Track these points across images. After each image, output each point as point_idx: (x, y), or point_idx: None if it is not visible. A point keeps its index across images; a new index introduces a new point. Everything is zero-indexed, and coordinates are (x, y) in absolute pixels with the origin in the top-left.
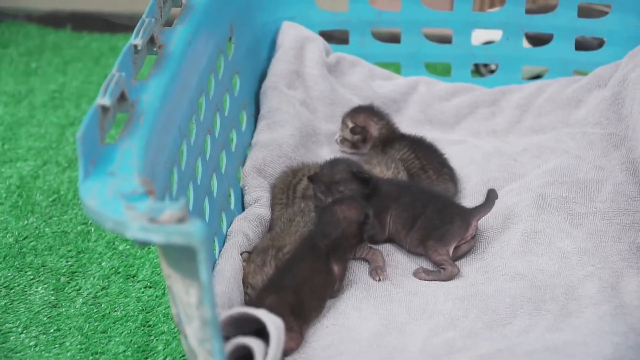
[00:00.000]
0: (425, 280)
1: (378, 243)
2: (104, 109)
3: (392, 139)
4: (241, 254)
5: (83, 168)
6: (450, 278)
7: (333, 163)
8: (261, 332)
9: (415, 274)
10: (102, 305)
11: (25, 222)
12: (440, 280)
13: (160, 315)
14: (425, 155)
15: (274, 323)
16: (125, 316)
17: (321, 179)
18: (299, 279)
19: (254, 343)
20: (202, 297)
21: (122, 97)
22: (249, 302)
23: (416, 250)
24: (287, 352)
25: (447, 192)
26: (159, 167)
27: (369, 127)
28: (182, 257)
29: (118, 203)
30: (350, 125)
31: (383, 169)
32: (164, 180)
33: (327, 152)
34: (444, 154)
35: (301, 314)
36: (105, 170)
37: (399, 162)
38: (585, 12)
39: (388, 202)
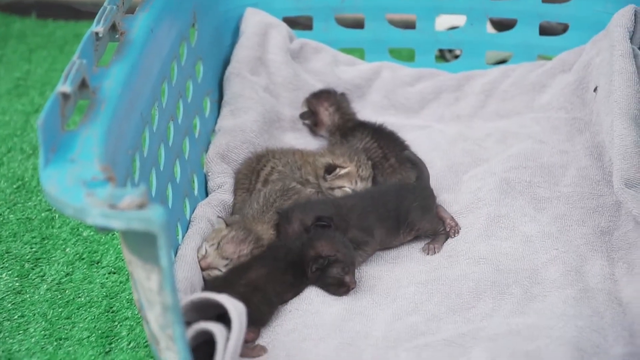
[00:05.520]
0: (438, 251)
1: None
2: (65, 96)
3: (350, 127)
4: (218, 216)
5: (44, 155)
6: (458, 232)
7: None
8: (223, 317)
9: (425, 250)
10: (66, 291)
11: None
12: (451, 238)
13: (124, 301)
14: (387, 144)
15: (235, 308)
16: (89, 302)
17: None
18: (250, 287)
19: (215, 328)
20: (162, 282)
21: (83, 84)
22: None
23: (408, 238)
24: (246, 341)
25: (408, 180)
26: (121, 153)
27: (319, 113)
28: (142, 243)
29: (78, 190)
30: (304, 109)
31: (346, 160)
32: (125, 166)
33: (290, 137)
34: (405, 141)
35: (254, 319)
36: (66, 157)
37: (362, 153)
38: None
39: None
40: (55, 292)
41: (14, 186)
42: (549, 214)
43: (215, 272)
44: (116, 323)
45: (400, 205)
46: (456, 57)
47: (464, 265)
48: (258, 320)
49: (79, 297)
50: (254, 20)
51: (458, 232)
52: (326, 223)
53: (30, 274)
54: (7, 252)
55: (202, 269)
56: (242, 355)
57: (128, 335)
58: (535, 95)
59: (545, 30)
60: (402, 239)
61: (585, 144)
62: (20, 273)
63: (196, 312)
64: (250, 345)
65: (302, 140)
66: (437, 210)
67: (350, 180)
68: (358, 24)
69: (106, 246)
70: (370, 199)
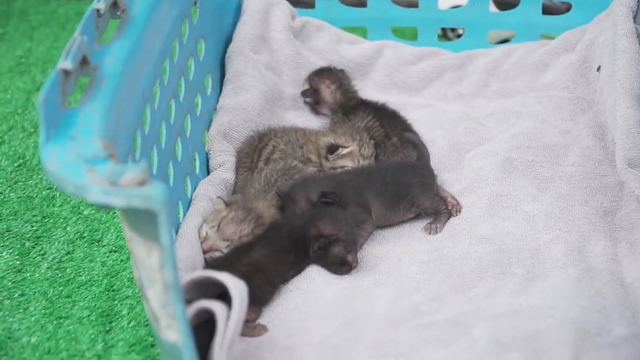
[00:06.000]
0: (440, 230)
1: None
2: (66, 72)
3: (353, 105)
4: (217, 197)
5: (44, 132)
6: (459, 210)
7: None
8: (224, 296)
9: (427, 229)
10: (67, 270)
11: None
12: (453, 217)
13: (125, 280)
14: (389, 123)
15: (237, 286)
16: (89, 281)
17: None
18: (252, 267)
19: (216, 306)
20: (163, 260)
21: (84, 61)
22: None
23: (409, 215)
24: (247, 320)
25: (410, 159)
26: (122, 131)
27: (320, 90)
28: (143, 220)
29: (79, 167)
30: (305, 87)
31: (348, 140)
32: (126, 144)
33: (293, 116)
34: (408, 120)
35: (255, 299)
36: (67, 134)
37: (364, 132)
38: None
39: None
40: (56, 271)
41: (15, 164)
42: (552, 194)
43: (217, 254)
44: (117, 302)
45: (399, 180)
46: (459, 36)
47: (466, 245)
48: (259, 299)
49: (80, 275)
50: None
51: (460, 211)
52: (331, 199)
53: (31, 253)
54: (7, 231)
55: (204, 252)
56: (243, 334)
57: (129, 314)
58: (538, 74)
59: (548, 10)
60: (402, 215)
61: (588, 124)
62: (20, 251)
63: (197, 290)
64: (251, 325)
65: (304, 118)
66: (438, 190)
67: (352, 159)
68: (361, 3)
69: (107, 225)
70: (367, 174)
